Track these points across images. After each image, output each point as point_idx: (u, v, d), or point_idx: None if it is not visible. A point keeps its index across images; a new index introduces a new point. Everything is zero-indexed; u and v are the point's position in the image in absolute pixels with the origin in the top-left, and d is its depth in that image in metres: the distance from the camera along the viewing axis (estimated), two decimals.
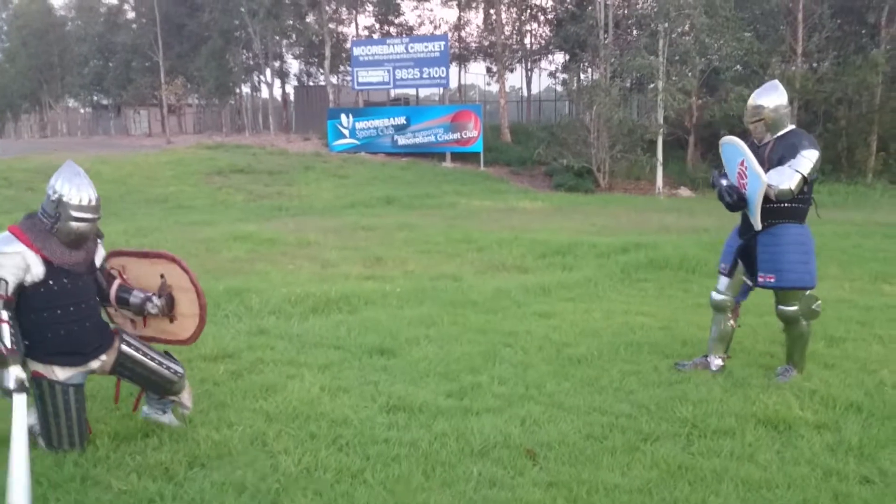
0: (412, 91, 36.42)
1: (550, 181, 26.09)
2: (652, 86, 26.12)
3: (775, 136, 5.07)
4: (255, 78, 44.38)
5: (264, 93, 45.38)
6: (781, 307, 5.16)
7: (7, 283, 3.76)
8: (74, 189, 3.91)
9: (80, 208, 3.90)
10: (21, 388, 3.70)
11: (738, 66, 26.35)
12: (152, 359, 4.21)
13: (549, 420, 4.43)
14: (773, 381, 5.08)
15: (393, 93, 35.89)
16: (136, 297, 4.25)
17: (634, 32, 28.22)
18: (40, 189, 20.97)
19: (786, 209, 5.02)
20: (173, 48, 40.10)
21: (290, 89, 44.57)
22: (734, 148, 5.10)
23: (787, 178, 4.86)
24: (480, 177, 26.25)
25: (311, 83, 43.90)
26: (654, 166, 24.96)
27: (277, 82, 42.96)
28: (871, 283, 8.72)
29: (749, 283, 5.38)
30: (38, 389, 3.92)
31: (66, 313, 3.94)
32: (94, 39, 43.76)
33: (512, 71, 41.46)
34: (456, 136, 28.29)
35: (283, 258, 10.71)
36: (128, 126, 47.51)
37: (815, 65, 26.21)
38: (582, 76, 35.95)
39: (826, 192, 21.99)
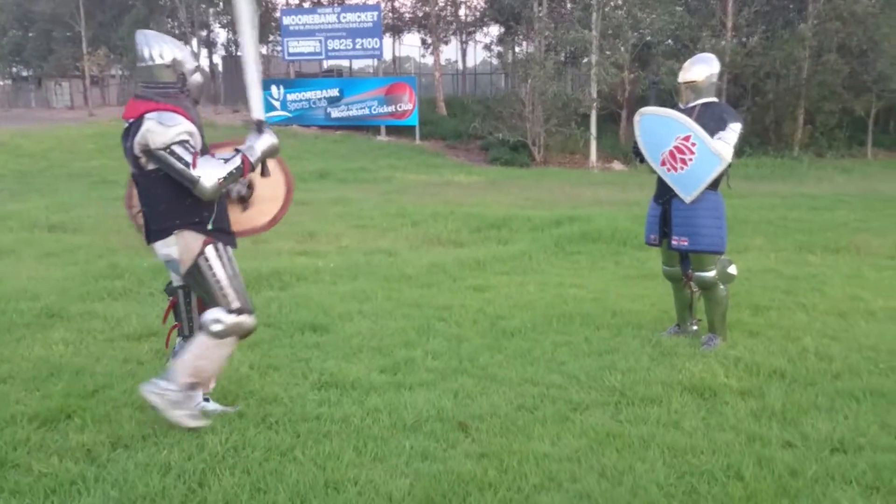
0: (345, 62, 35.90)
1: (486, 155, 26.11)
2: (585, 60, 26.29)
3: (700, 103, 5.19)
4: None
5: None
6: (699, 273, 5.28)
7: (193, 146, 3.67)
8: (176, 46, 3.87)
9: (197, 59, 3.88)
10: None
11: (670, 41, 26.73)
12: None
13: (482, 392, 4.44)
14: (699, 350, 5.19)
15: (325, 64, 35.29)
16: None
17: (569, 5, 28.29)
18: None
19: None
20: (95, 17, 38.76)
21: (217, 59, 43.51)
22: (672, 122, 5.09)
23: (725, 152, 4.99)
24: (416, 150, 26.11)
25: (239, 53, 42.84)
26: (587, 140, 25.21)
27: (204, 52, 41.87)
28: (796, 254, 8.97)
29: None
30: (216, 254, 3.82)
31: None
32: (13, 8, 42.00)
33: (447, 43, 41.32)
34: (391, 108, 27.98)
35: None
36: (49, 98, 45.66)
37: (744, 39, 26.72)
38: (517, 49, 35.99)
39: (754, 165, 22.56)
